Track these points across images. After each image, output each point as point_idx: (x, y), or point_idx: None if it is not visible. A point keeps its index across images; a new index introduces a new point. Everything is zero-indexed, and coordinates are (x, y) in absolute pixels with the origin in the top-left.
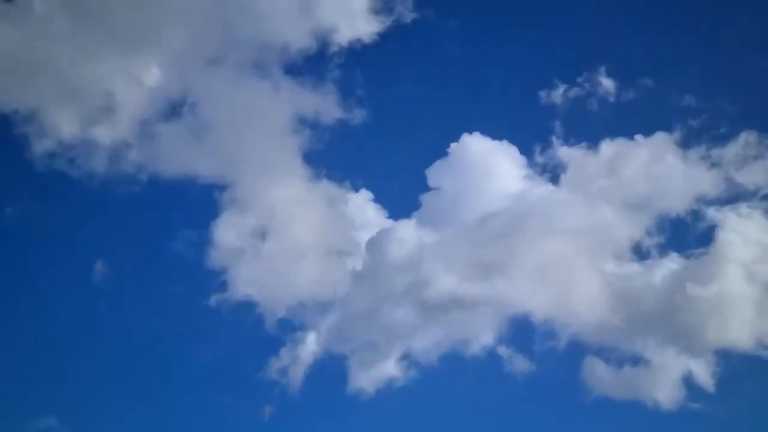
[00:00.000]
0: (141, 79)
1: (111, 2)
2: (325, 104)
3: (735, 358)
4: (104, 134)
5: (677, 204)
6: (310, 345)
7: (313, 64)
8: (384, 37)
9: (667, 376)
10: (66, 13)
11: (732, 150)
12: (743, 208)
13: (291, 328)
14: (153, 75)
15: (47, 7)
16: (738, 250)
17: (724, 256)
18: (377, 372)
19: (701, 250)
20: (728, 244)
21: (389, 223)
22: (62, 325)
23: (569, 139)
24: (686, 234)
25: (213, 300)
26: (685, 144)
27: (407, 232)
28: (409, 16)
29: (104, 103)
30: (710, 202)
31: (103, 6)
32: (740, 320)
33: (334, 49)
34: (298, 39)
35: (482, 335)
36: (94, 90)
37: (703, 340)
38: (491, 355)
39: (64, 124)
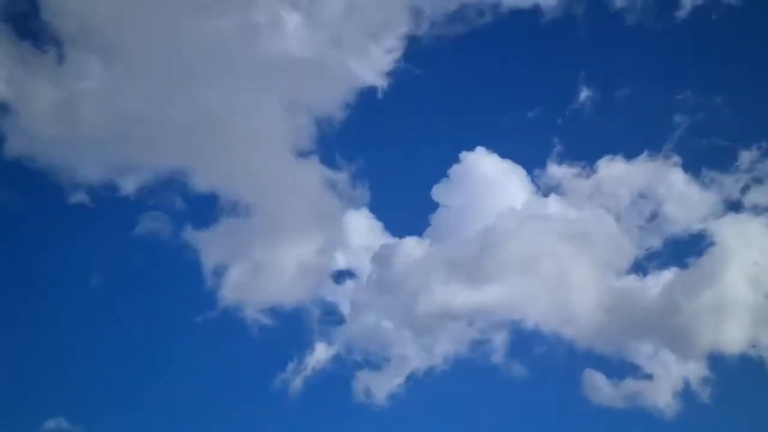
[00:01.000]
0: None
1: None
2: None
3: (734, 366)
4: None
5: (676, 218)
6: (317, 356)
7: None
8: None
9: (666, 385)
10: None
11: (730, 166)
12: (740, 216)
13: (299, 340)
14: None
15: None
16: (735, 257)
17: (721, 264)
18: (381, 384)
19: (698, 258)
20: (725, 251)
21: (390, 239)
22: (70, 327)
23: (570, 156)
24: (683, 245)
25: (219, 307)
26: (685, 160)
27: (408, 248)
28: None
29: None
30: (708, 215)
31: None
32: (739, 327)
33: None
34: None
35: (485, 347)
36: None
37: (702, 348)
38: (496, 366)
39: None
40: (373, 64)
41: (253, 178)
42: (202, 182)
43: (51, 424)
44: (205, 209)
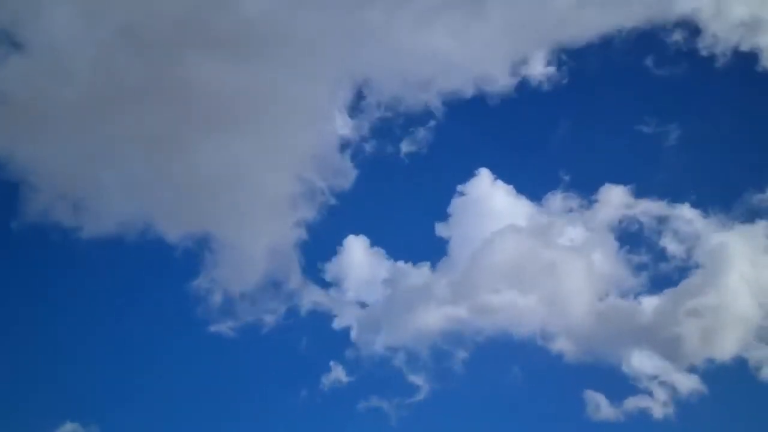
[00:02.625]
0: None
1: None
2: None
3: (734, 379)
4: None
5: (673, 241)
6: (325, 380)
7: None
8: None
9: (665, 400)
10: None
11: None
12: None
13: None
14: None
15: None
16: (729, 271)
17: (718, 277)
18: (388, 407)
19: (695, 273)
20: (719, 266)
21: (394, 265)
22: (82, 330)
23: (571, 181)
24: (678, 264)
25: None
26: (684, 188)
27: (411, 273)
28: None
29: None
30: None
31: None
32: (738, 340)
33: None
34: None
35: (493, 369)
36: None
37: (699, 363)
38: (504, 386)
39: None
40: None
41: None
42: None
43: (64, 429)
44: None
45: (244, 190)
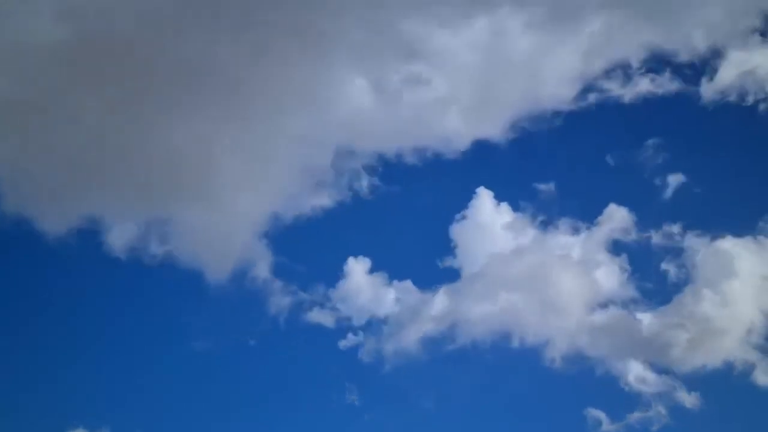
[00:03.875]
0: None
1: None
2: None
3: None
4: None
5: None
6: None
7: None
8: None
9: (664, 410)
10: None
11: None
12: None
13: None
14: None
15: None
16: (724, 281)
17: (711, 288)
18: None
19: (688, 284)
20: (714, 276)
21: (392, 285)
22: (91, 333)
23: (574, 202)
24: (674, 279)
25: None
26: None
27: (411, 292)
28: None
29: None
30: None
31: None
32: (736, 350)
33: None
34: None
35: (500, 386)
36: None
37: (694, 370)
38: (500, 400)
39: None
40: None
41: None
42: None
43: None
44: None
45: (231, 180)
